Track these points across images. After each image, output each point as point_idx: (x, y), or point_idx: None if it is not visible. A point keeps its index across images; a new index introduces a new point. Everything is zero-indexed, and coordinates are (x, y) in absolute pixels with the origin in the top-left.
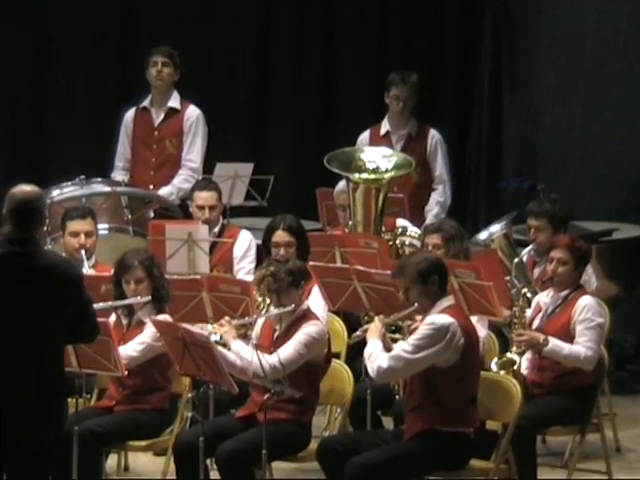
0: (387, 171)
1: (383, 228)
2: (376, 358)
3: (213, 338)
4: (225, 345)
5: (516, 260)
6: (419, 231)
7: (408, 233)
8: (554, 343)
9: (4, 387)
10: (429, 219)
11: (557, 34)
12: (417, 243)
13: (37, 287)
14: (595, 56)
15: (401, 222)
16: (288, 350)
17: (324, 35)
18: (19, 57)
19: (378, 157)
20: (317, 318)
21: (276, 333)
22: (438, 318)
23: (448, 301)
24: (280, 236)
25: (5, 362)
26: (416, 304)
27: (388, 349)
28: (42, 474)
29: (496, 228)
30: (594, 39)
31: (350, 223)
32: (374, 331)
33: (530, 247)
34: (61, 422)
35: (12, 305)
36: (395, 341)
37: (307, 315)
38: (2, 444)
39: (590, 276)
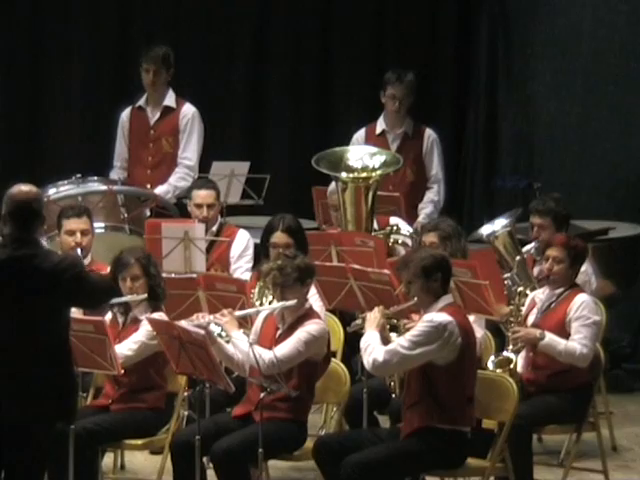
0: (375, 169)
1: (376, 226)
2: (373, 350)
3: (214, 329)
4: (226, 336)
5: (518, 258)
6: (411, 229)
7: (401, 231)
8: (550, 338)
9: (11, 387)
10: (421, 217)
11: (553, 33)
12: (409, 242)
13: (44, 287)
14: (592, 55)
15: (394, 220)
16: (287, 346)
17: (320, 34)
18: (15, 56)
19: (365, 156)
20: (319, 317)
21: (279, 331)
22: (436, 316)
23: (448, 299)
24: (279, 237)
25: (12, 362)
26: (415, 298)
27: (386, 341)
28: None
29: (501, 223)
30: (591, 38)
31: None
32: (373, 321)
33: (533, 244)
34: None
35: (21, 306)
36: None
37: (310, 314)
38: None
39: (590, 276)
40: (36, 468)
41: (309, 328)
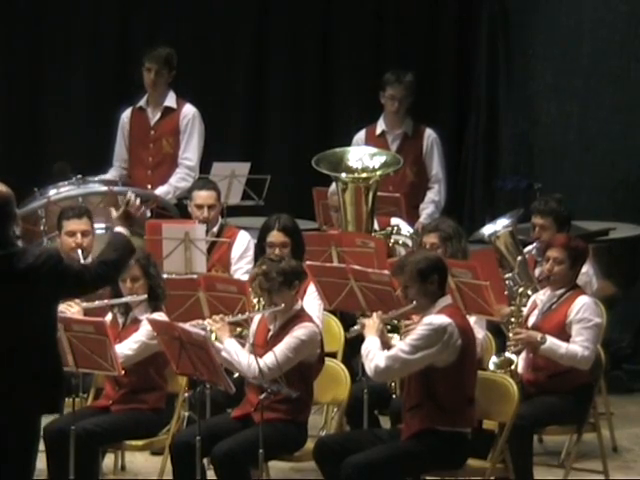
0: (375, 170)
1: (377, 227)
2: (374, 357)
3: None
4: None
5: (519, 258)
6: (412, 230)
7: (401, 232)
8: (551, 341)
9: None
10: (423, 217)
11: (554, 33)
12: (409, 242)
13: (25, 286)
14: (592, 55)
15: (395, 221)
16: (277, 353)
17: (321, 35)
18: (16, 56)
19: (366, 156)
20: (310, 319)
21: (270, 333)
22: (435, 319)
23: (446, 301)
24: (275, 236)
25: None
26: (414, 302)
27: (386, 346)
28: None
29: (503, 222)
30: (591, 38)
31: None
32: (372, 327)
33: (534, 245)
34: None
35: (5, 306)
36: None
37: (300, 316)
38: None
39: (591, 277)
40: (22, 464)
41: (298, 333)
